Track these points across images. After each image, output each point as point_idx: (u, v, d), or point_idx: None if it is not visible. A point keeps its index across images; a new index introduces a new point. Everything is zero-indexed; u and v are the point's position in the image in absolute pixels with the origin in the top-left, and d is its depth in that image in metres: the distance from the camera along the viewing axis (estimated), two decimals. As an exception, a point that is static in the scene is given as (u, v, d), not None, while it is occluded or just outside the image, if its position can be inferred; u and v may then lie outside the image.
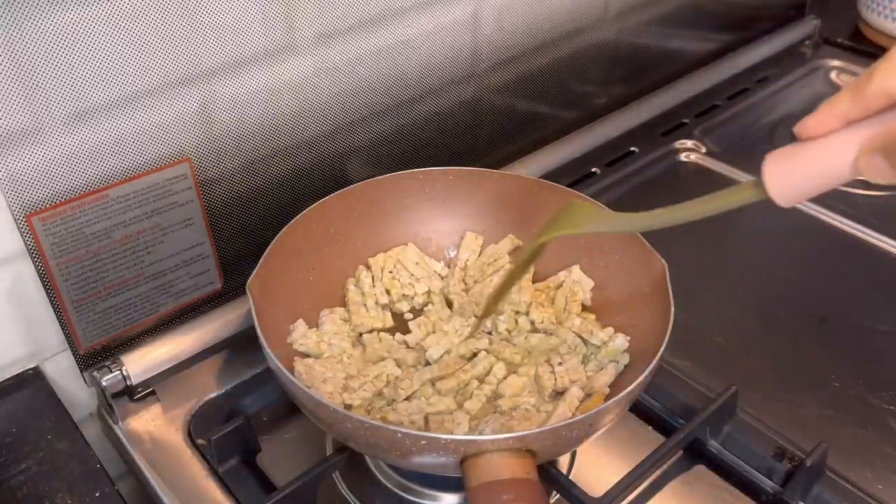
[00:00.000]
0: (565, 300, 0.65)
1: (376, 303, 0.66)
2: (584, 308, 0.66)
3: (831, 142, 0.38)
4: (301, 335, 0.61)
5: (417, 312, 0.67)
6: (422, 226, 0.71)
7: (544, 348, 0.62)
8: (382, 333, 0.64)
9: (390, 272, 0.68)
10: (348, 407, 0.58)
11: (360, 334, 0.64)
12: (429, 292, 0.68)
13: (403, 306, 0.67)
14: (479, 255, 0.70)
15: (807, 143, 0.39)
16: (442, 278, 0.69)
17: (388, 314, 0.66)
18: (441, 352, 0.62)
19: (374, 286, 0.67)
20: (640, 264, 0.62)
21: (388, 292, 0.67)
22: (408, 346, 0.63)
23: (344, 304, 0.66)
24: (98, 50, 0.54)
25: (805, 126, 0.39)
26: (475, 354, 0.62)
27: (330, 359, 0.61)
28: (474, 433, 0.55)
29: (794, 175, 0.39)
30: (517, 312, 0.66)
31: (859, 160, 0.37)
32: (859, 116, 0.37)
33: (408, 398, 0.58)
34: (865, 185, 0.88)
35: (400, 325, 0.66)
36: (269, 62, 0.64)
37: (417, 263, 0.68)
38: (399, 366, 0.61)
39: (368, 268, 0.68)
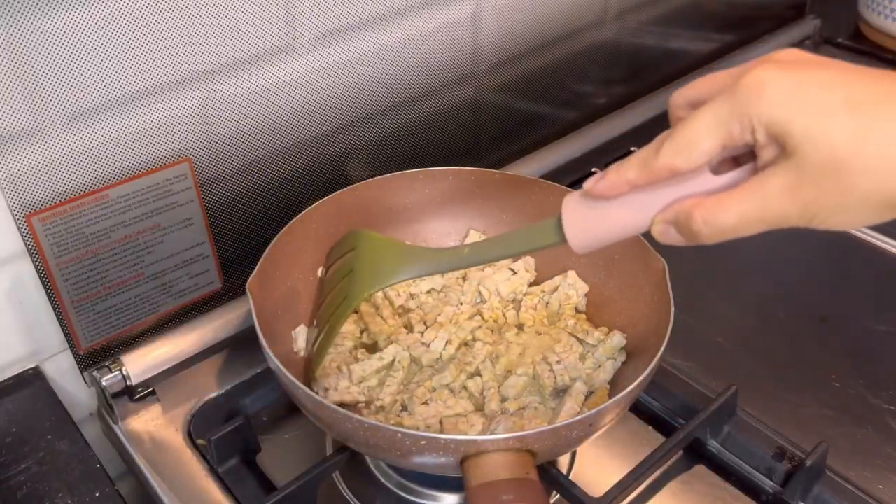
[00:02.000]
0: (559, 304, 0.65)
1: (392, 308, 0.66)
2: (578, 312, 0.66)
3: (623, 205, 0.42)
4: (307, 340, 0.61)
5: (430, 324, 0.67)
6: (422, 226, 0.71)
7: (539, 347, 0.62)
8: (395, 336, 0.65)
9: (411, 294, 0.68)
10: (369, 403, 0.58)
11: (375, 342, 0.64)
12: (431, 290, 0.68)
13: (412, 306, 0.67)
14: None
15: (599, 202, 0.43)
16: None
17: (401, 321, 0.66)
18: (442, 343, 0.62)
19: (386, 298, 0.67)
20: (640, 264, 0.62)
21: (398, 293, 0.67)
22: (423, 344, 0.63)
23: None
24: (98, 50, 0.54)
25: (595, 188, 0.42)
26: (474, 337, 0.63)
27: (340, 355, 0.61)
28: (486, 433, 0.55)
29: (589, 232, 0.43)
30: (506, 304, 0.66)
31: (654, 227, 0.41)
32: (645, 185, 0.41)
33: (425, 402, 0.58)
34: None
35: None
36: (269, 62, 0.64)
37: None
38: (413, 361, 0.61)
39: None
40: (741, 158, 0.41)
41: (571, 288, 0.66)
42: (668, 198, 0.41)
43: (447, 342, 0.62)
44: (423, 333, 0.63)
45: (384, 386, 0.59)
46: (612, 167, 0.42)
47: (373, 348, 0.63)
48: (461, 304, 0.66)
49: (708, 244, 0.39)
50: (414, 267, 0.55)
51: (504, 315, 0.65)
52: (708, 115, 0.38)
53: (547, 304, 0.67)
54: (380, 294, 0.66)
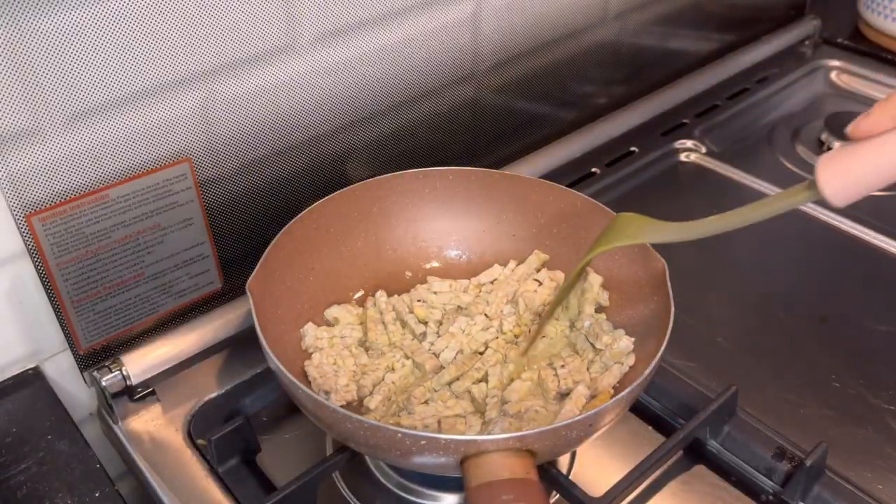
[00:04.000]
0: (577, 302, 0.65)
1: (395, 318, 0.65)
2: (598, 312, 0.65)
3: (885, 143, 0.39)
4: (314, 338, 0.61)
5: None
6: (422, 226, 0.71)
7: (547, 353, 0.62)
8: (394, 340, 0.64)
9: (419, 301, 0.66)
10: (362, 401, 0.58)
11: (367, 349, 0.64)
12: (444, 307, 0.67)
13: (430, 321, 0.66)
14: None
15: (861, 143, 0.40)
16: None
17: (417, 329, 0.65)
18: (454, 353, 0.62)
19: (394, 309, 0.66)
20: (640, 264, 0.62)
21: (423, 323, 0.66)
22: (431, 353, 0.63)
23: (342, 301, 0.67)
24: (98, 50, 0.54)
25: (858, 127, 0.40)
26: (487, 347, 0.63)
27: (338, 349, 0.61)
28: (485, 434, 0.55)
29: (850, 174, 0.40)
30: (533, 318, 0.65)
31: None
32: None
33: (425, 402, 0.58)
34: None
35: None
36: (269, 62, 0.64)
37: (436, 293, 0.68)
38: (416, 367, 0.61)
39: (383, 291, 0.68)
40: None
41: (589, 283, 0.65)
42: None
43: (458, 352, 0.62)
44: (433, 343, 0.63)
45: (376, 387, 0.59)
46: (875, 104, 0.40)
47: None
48: (484, 314, 0.65)
49: None
50: (659, 232, 0.54)
51: (529, 330, 0.65)
52: None
53: (567, 307, 0.66)
54: (384, 301, 0.66)
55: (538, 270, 0.69)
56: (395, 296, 0.67)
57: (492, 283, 0.69)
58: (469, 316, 0.65)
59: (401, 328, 0.65)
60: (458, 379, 0.60)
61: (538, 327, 0.62)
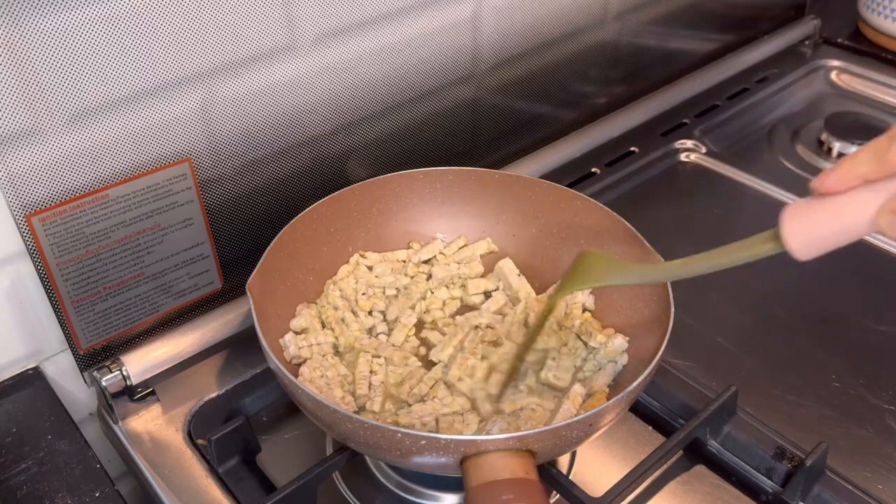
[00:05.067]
0: (566, 304, 0.65)
1: (354, 314, 0.65)
2: (585, 312, 0.66)
3: (851, 200, 0.39)
4: (297, 347, 0.61)
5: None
6: (422, 226, 0.71)
7: (538, 354, 0.63)
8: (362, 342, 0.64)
9: (363, 294, 0.66)
10: (360, 409, 0.58)
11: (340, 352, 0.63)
12: (397, 292, 0.67)
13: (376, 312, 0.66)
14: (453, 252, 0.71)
15: (825, 199, 0.40)
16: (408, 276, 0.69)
17: (366, 322, 0.65)
18: (448, 353, 0.62)
19: (345, 299, 0.66)
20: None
21: (369, 313, 0.66)
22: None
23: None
24: (98, 50, 0.54)
25: (824, 183, 0.40)
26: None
27: (318, 360, 0.61)
28: (481, 433, 0.55)
29: (813, 232, 0.40)
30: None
31: (880, 219, 0.38)
32: (878, 178, 0.39)
33: (422, 400, 0.58)
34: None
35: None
36: (269, 62, 0.64)
37: (378, 276, 0.68)
38: (388, 362, 0.61)
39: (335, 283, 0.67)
40: None
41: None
42: None
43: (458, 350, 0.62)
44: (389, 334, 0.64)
45: (371, 390, 0.59)
46: (841, 161, 0.40)
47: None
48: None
49: None
50: (626, 275, 0.55)
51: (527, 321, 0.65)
52: None
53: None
54: (338, 294, 0.66)
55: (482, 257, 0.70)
56: (342, 282, 0.67)
57: (429, 261, 0.69)
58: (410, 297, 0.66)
59: (360, 320, 0.65)
60: (460, 380, 0.60)
61: (513, 361, 0.60)
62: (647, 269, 0.56)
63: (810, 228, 0.41)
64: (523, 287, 0.68)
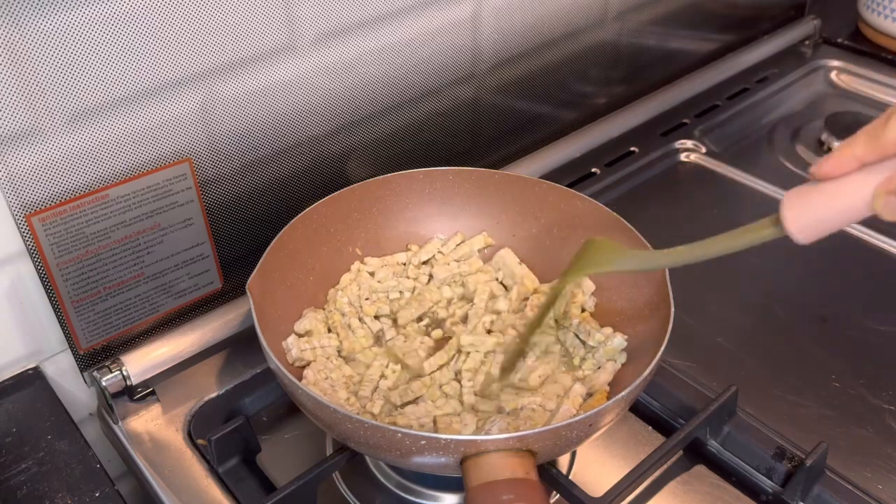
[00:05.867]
0: (565, 302, 0.65)
1: (360, 320, 0.65)
2: (585, 311, 0.66)
3: (848, 182, 0.40)
4: (299, 350, 0.61)
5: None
6: (422, 226, 0.71)
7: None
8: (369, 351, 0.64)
9: (367, 299, 0.66)
10: (360, 410, 0.58)
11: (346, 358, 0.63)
12: (400, 295, 0.67)
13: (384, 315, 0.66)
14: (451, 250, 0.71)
15: (823, 184, 0.41)
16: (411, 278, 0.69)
17: (373, 327, 0.65)
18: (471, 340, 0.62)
19: (352, 305, 0.66)
20: (640, 264, 0.62)
21: (375, 318, 0.66)
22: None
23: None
24: (98, 50, 0.54)
25: (821, 168, 0.41)
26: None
27: (323, 361, 0.61)
28: (481, 433, 0.55)
29: (813, 214, 0.41)
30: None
31: (876, 200, 0.39)
32: (874, 160, 0.39)
33: (415, 402, 0.58)
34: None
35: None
36: (269, 62, 0.64)
37: (380, 281, 0.68)
38: (405, 369, 0.61)
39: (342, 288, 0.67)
40: None
41: (578, 286, 0.66)
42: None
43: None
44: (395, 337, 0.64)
45: (374, 393, 0.59)
46: (839, 145, 0.40)
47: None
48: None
49: None
50: (627, 261, 0.55)
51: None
52: None
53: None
54: (345, 305, 0.65)
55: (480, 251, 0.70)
56: (347, 289, 0.66)
57: (428, 261, 0.69)
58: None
59: (368, 328, 0.65)
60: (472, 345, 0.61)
61: (516, 348, 0.61)
62: (651, 254, 0.56)
63: (809, 212, 0.41)
64: (527, 275, 0.68)
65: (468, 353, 0.61)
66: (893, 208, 0.39)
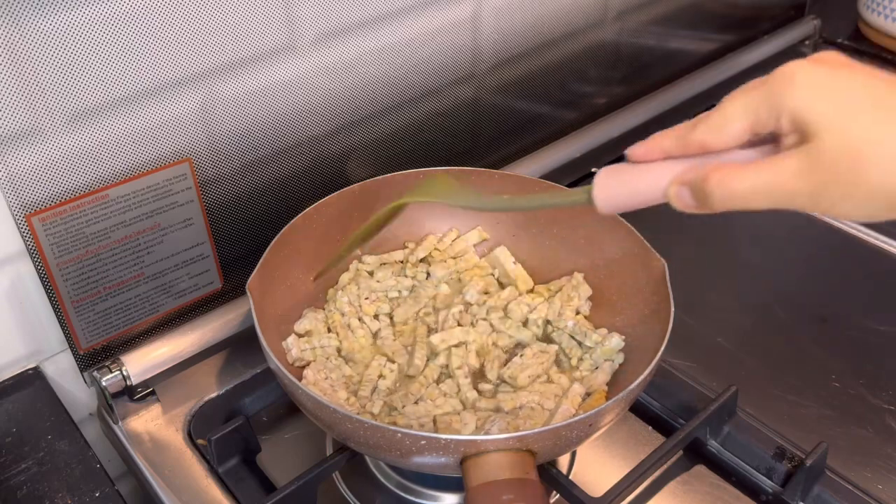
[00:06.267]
0: (560, 304, 0.65)
1: (360, 320, 0.65)
2: (580, 315, 0.66)
3: (654, 168, 0.44)
4: (299, 350, 0.61)
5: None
6: (422, 225, 0.71)
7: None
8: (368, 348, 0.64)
9: (366, 298, 0.66)
10: (360, 410, 0.58)
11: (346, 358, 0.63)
12: (399, 293, 0.67)
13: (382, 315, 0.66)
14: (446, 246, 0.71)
15: (635, 165, 0.45)
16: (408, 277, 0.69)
17: (373, 327, 0.65)
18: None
19: (351, 305, 0.66)
20: (640, 264, 0.62)
21: (375, 317, 0.66)
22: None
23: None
24: (98, 50, 0.54)
25: (634, 151, 0.45)
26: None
27: (322, 361, 0.61)
28: (481, 433, 0.55)
29: (616, 189, 0.45)
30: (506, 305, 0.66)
31: (670, 188, 0.43)
32: (678, 156, 0.43)
33: (415, 402, 0.58)
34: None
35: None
36: (269, 62, 0.64)
37: (379, 281, 0.68)
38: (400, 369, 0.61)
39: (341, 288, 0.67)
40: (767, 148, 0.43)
41: (575, 290, 0.66)
42: None
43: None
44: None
45: (373, 394, 0.59)
46: (654, 135, 0.44)
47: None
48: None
49: (715, 210, 0.41)
50: (460, 197, 0.58)
51: (505, 312, 0.65)
52: (740, 99, 0.41)
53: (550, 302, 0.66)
54: (345, 305, 0.65)
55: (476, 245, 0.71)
56: (346, 289, 0.67)
57: (425, 258, 0.70)
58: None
59: (366, 326, 0.65)
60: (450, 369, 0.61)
61: (336, 256, 0.63)
62: (481, 197, 0.63)
63: (614, 186, 0.45)
64: (520, 274, 0.68)
65: (448, 351, 0.61)
66: (683, 199, 0.42)
